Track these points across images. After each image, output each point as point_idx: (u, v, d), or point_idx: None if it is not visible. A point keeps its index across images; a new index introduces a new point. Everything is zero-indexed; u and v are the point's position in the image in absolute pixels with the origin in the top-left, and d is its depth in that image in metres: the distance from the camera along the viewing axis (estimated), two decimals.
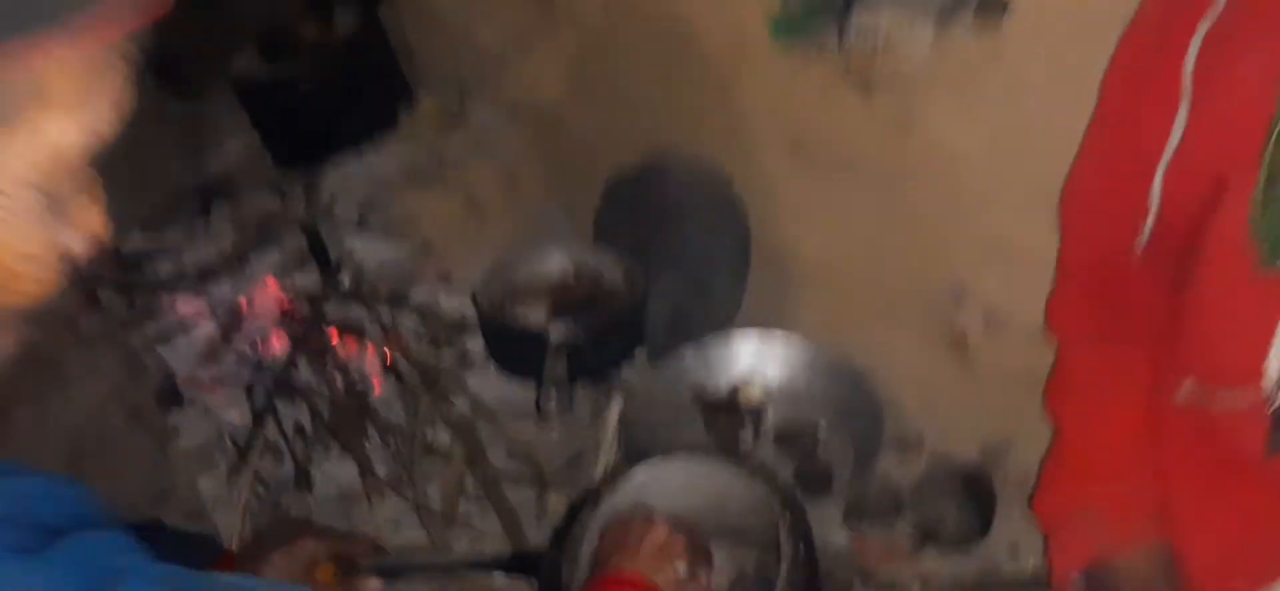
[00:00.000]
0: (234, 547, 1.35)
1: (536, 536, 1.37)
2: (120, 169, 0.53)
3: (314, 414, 1.61)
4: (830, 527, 1.32)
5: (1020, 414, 1.29)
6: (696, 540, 0.99)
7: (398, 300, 1.82)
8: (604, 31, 1.68)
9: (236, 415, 1.66)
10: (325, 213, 2.02)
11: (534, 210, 1.95)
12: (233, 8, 2.00)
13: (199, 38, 1.71)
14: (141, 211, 2.07)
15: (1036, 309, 1.14)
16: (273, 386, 1.66)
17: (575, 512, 1.12)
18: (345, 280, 1.89)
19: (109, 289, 1.86)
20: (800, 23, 1.27)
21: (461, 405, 1.59)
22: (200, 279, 1.93)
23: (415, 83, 2.18)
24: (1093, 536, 0.94)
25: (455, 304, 1.78)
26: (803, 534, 1.02)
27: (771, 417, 1.45)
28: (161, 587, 0.55)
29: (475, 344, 1.69)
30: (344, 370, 1.68)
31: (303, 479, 1.53)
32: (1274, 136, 0.74)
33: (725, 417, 1.42)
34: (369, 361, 1.70)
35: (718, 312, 1.56)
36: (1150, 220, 0.86)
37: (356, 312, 1.80)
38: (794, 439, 1.41)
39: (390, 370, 1.66)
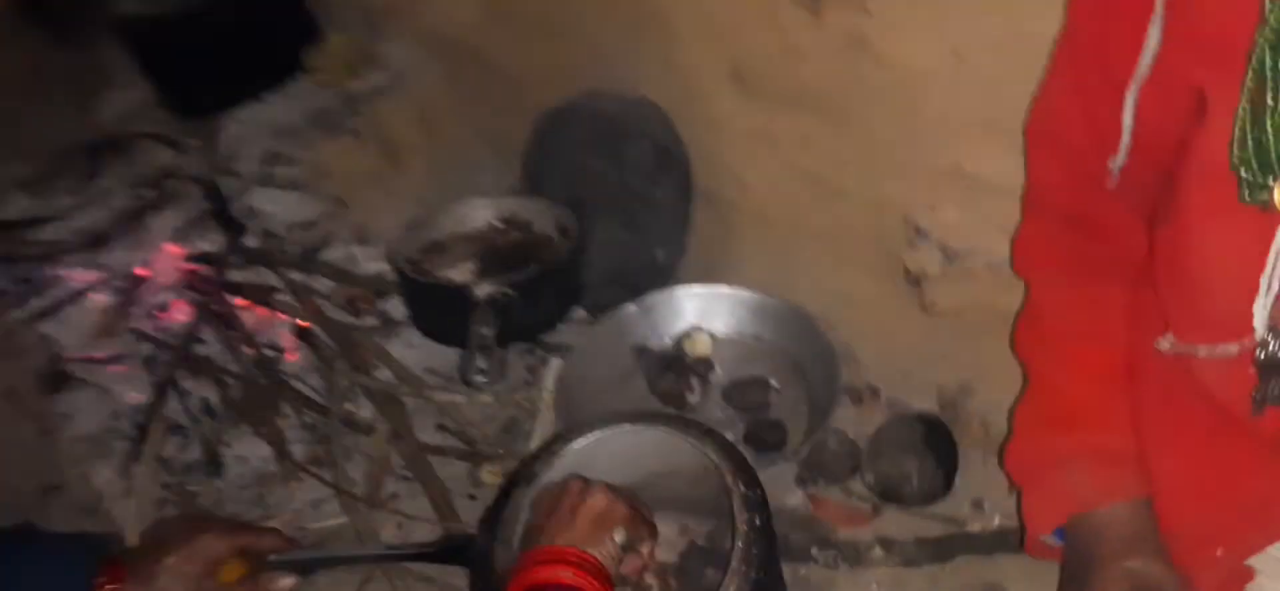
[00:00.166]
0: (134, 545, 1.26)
1: (470, 515, 1.30)
2: None
3: (222, 390, 1.55)
4: (784, 488, 1.29)
5: (980, 357, 1.28)
6: (638, 509, 0.94)
7: (310, 261, 1.77)
8: None
9: (135, 395, 1.58)
10: (226, 167, 1.95)
11: (455, 156, 1.89)
12: None
13: None
14: (22, 172, 2.01)
15: (999, 242, 1.11)
16: (175, 361, 1.59)
17: (508, 490, 1.05)
18: (251, 241, 1.83)
19: None
20: None
21: (384, 374, 1.53)
22: (90, 245, 1.86)
23: (320, 18, 2.10)
24: (1069, 491, 0.89)
25: (373, 263, 1.73)
26: (757, 503, 0.97)
27: (719, 373, 1.42)
28: None
29: (396, 307, 1.64)
30: (253, 340, 1.62)
31: (211, 462, 1.46)
32: (1258, 49, 0.69)
33: (670, 375, 1.38)
34: (280, 330, 1.65)
35: (659, 262, 1.53)
36: (1123, 145, 0.83)
37: (265, 276, 1.75)
38: (744, 395, 1.37)
39: (304, 338, 1.61)
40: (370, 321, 1.65)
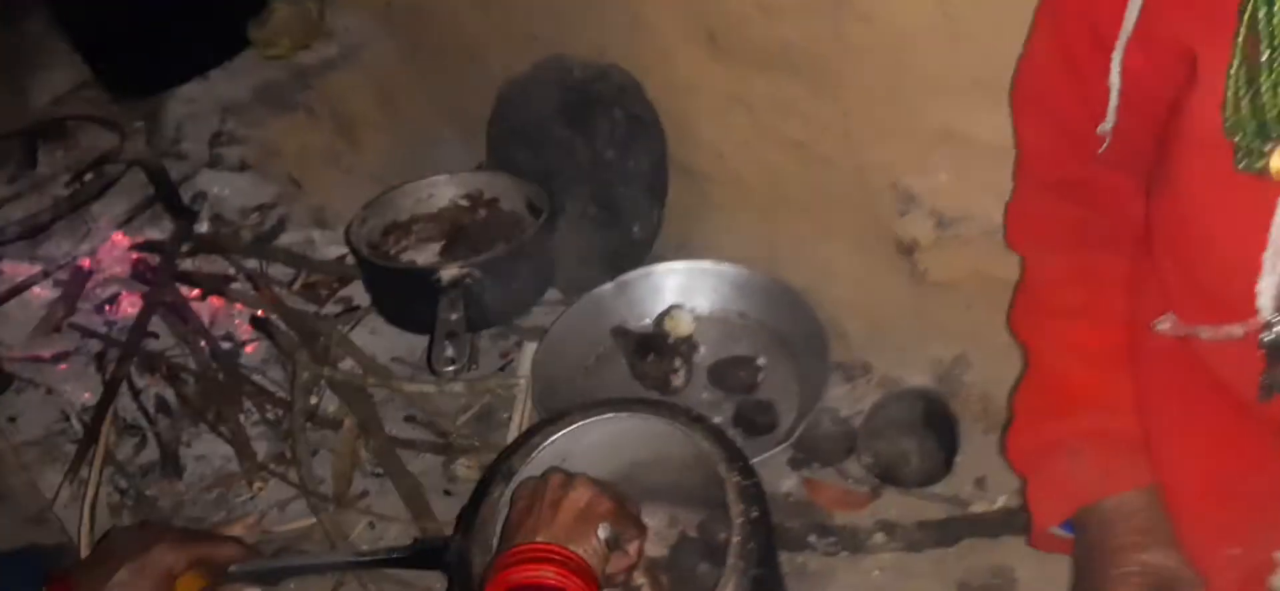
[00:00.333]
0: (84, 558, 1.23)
1: (446, 512, 1.27)
2: None
3: (177, 386, 1.50)
4: (777, 473, 1.25)
5: (977, 328, 1.26)
6: (624, 504, 0.91)
7: (265, 246, 1.73)
8: None
9: (84, 394, 1.54)
10: (171, 149, 1.89)
11: (415, 131, 1.87)
12: None
13: None
14: None
15: (995, 207, 1.07)
16: (125, 357, 1.54)
17: (485, 486, 1.02)
18: (202, 227, 1.78)
19: None
20: None
21: (348, 365, 1.49)
22: (29, 237, 1.80)
23: None
24: (1076, 480, 0.85)
25: (332, 247, 1.70)
26: (753, 494, 0.93)
27: (703, 353, 1.39)
28: None
29: (359, 293, 1.60)
30: (208, 333, 1.57)
31: (169, 463, 1.42)
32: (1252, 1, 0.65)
33: (652, 357, 1.34)
34: (237, 320, 1.61)
35: (635, 238, 1.50)
36: (1111, 109, 0.80)
37: (218, 264, 1.71)
38: (730, 375, 1.34)
39: (262, 329, 1.56)
40: (332, 309, 1.61)
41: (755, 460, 1.01)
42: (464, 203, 1.61)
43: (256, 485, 1.35)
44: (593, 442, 1.05)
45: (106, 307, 1.67)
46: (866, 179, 1.30)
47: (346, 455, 1.35)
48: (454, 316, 1.33)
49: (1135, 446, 0.85)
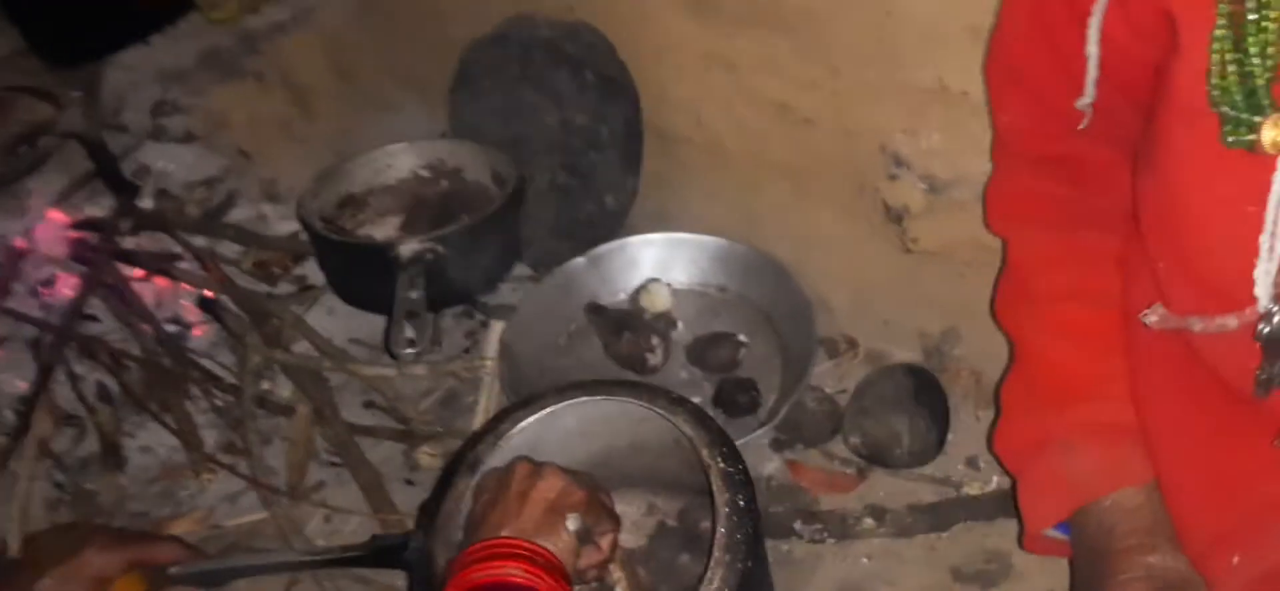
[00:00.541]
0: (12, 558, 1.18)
1: (408, 503, 1.23)
2: None
3: (119, 373, 1.46)
4: (759, 455, 1.22)
5: (968, 299, 1.24)
6: (596, 494, 0.87)
7: (213, 223, 1.70)
8: None
9: (17, 382, 1.49)
10: (111, 121, 1.85)
11: (371, 98, 1.83)
12: None
13: None
14: None
15: (989, 168, 1.03)
16: (62, 342, 1.50)
17: (449, 477, 0.97)
18: (145, 203, 1.75)
19: None
20: None
21: (302, 348, 1.45)
22: None
23: None
24: (1071, 478, 0.81)
25: (285, 222, 1.68)
26: (739, 481, 0.89)
27: (682, 330, 1.36)
28: None
29: (314, 271, 1.57)
30: (153, 316, 1.53)
31: (110, 455, 1.38)
32: None
33: (628, 335, 1.31)
34: (183, 302, 1.57)
35: (609, 208, 1.47)
36: (1089, 81, 0.78)
37: (163, 242, 1.67)
38: (710, 352, 1.30)
39: (210, 311, 1.52)
40: (285, 288, 1.58)
41: (737, 442, 0.96)
42: (425, 173, 1.57)
43: (204, 477, 1.32)
44: (566, 428, 1.00)
45: (42, 290, 1.62)
46: (854, 141, 1.26)
47: (301, 444, 1.31)
48: (414, 295, 1.29)
49: (1134, 438, 0.81)
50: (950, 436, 1.19)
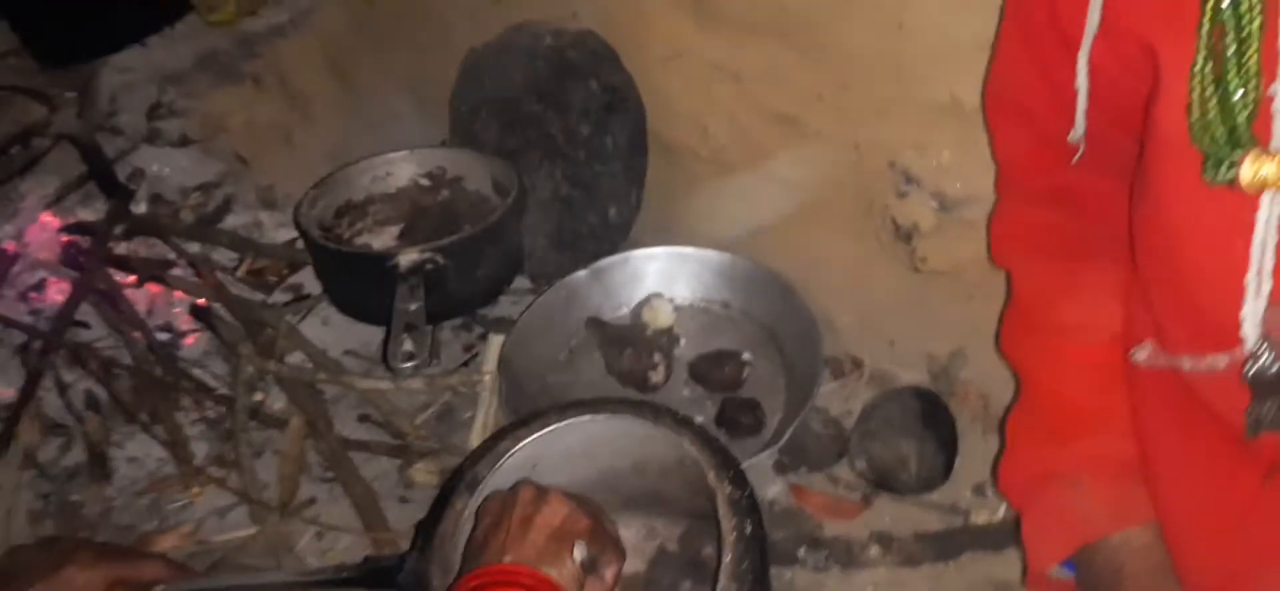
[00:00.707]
0: None
1: (401, 520, 1.21)
2: None
3: (108, 381, 1.44)
4: (762, 478, 1.20)
5: (977, 321, 1.23)
6: (601, 522, 0.86)
7: (207, 229, 1.70)
8: None
9: (7, 390, 1.47)
10: (106, 123, 1.85)
11: (371, 104, 1.82)
12: None
13: None
14: None
15: None
16: (51, 348, 1.48)
17: (447, 497, 0.95)
18: (139, 207, 1.75)
19: None
20: None
21: (296, 359, 1.44)
22: None
23: None
24: (1077, 515, 0.80)
25: (281, 230, 1.68)
26: (747, 506, 0.87)
27: (684, 347, 1.35)
28: None
29: (309, 280, 1.57)
30: (144, 323, 1.52)
31: (97, 465, 1.36)
32: None
33: (630, 351, 1.29)
34: (176, 310, 1.56)
35: (611, 221, 1.46)
36: (1080, 112, 0.78)
37: (156, 248, 1.67)
38: (713, 371, 1.29)
39: (203, 319, 1.52)
40: (280, 298, 1.57)
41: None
42: (425, 182, 1.56)
43: (193, 490, 1.29)
44: (567, 447, 0.99)
45: (32, 294, 1.61)
46: (863, 157, 1.25)
47: (293, 458, 1.30)
48: (413, 306, 1.27)
49: (1139, 475, 0.81)
50: (958, 462, 1.17)
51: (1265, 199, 0.62)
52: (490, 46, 1.50)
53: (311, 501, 1.26)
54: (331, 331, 1.49)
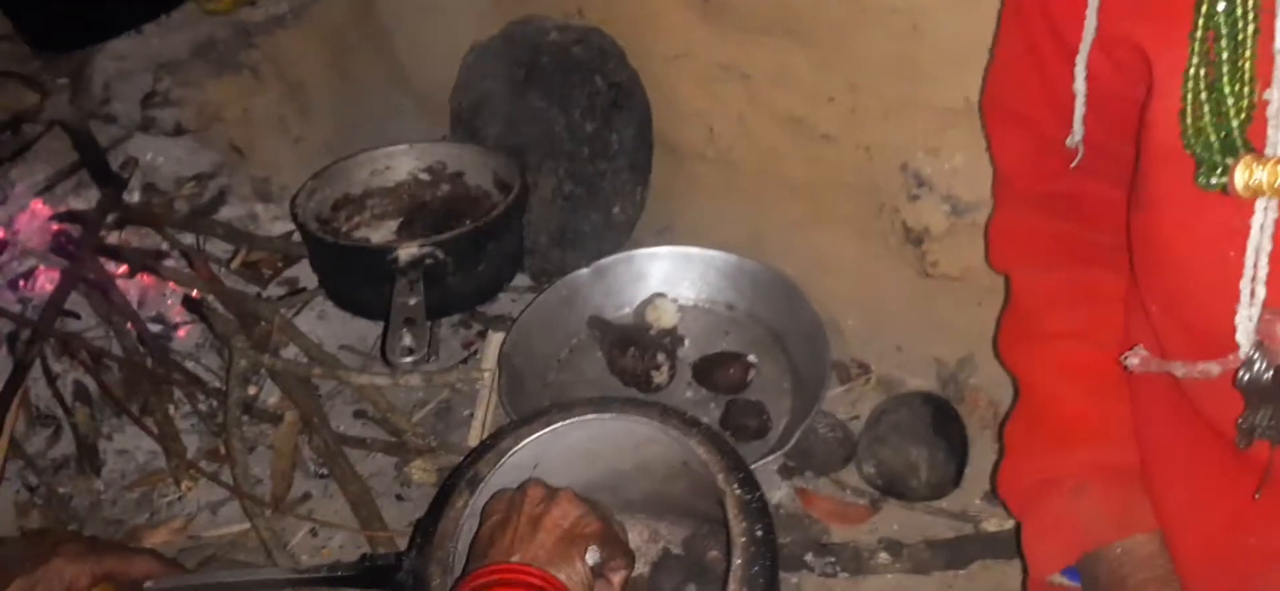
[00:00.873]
0: None
1: (397, 518, 1.20)
2: None
3: (99, 372, 1.42)
4: (766, 482, 1.18)
5: (986, 326, 1.19)
6: (612, 526, 0.84)
7: (202, 220, 1.67)
8: None
9: None
10: (99, 111, 1.81)
11: (372, 97, 1.81)
12: None
13: None
14: None
15: None
16: (42, 337, 1.46)
17: (445, 496, 0.93)
18: (132, 197, 1.71)
19: None
20: None
21: (292, 353, 1.43)
22: None
23: None
24: (1079, 522, 0.79)
25: (277, 222, 1.65)
26: (757, 510, 0.85)
27: (688, 348, 1.34)
28: None
29: (306, 273, 1.55)
30: (136, 314, 1.50)
31: (86, 457, 1.35)
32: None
33: (633, 352, 1.27)
34: (169, 301, 1.54)
35: (615, 219, 1.45)
36: (1078, 118, 0.78)
37: (149, 239, 1.64)
38: (718, 373, 1.27)
39: (197, 311, 1.50)
40: (275, 291, 1.55)
41: None
42: (424, 176, 1.55)
43: (185, 484, 1.28)
44: (569, 446, 0.97)
45: (21, 283, 1.57)
46: (873, 159, 1.24)
47: (287, 453, 1.29)
48: (412, 301, 1.26)
49: (1141, 482, 0.80)
50: (967, 469, 1.16)
51: (1259, 205, 0.61)
52: (493, 41, 1.49)
53: (306, 498, 1.25)
54: (327, 326, 1.48)
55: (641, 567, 1.04)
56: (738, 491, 0.85)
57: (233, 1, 1.87)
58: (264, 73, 1.80)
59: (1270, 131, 0.60)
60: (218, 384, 1.39)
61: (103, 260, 1.57)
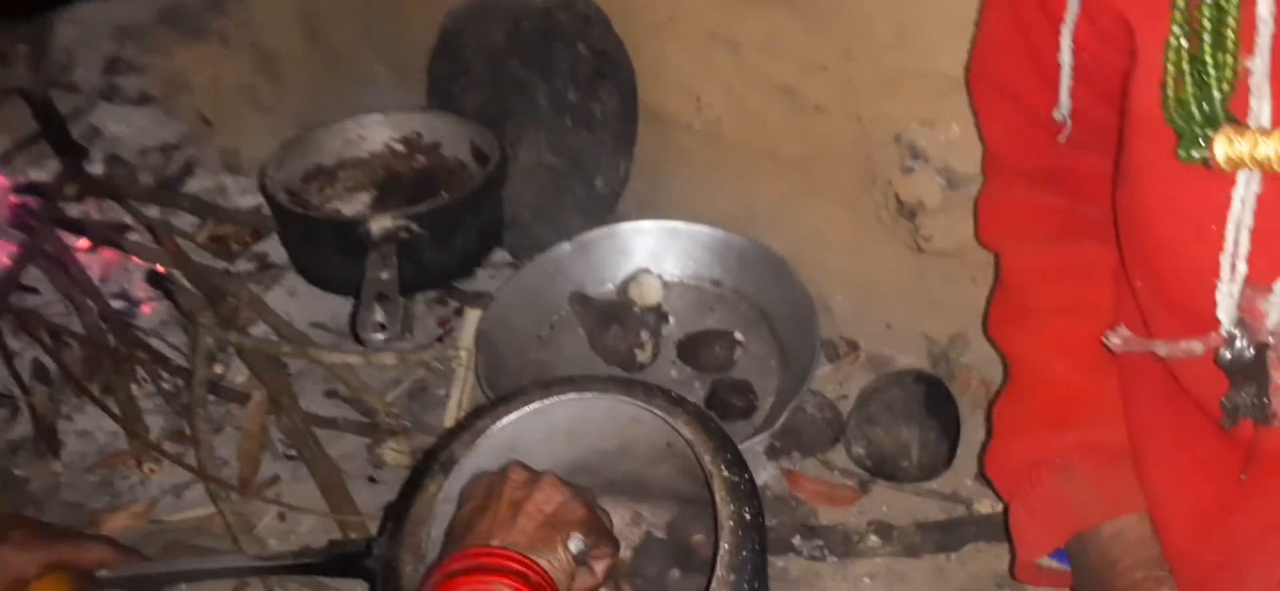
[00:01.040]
0: None
1: (369, 501, 1.17)
2: None
3: (58, 350, 1.41)
4: (754, 463, 1.14)
5: (980, 304, 1.19)
6: (597, 512, 0.82)
7: (168, 192, 1.68)
8: None
9: None
10: (60, 78, 1.81)
11: (345, 66, 1.79)
12: None
13: None
14: None
15: None
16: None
17: (418, 479, 0.90)
18: (94, 168, 1.73)
19: None
20: None
21: (260, 330, 1.42)
22: None
23: None
24: (1068, 503, 0.79)
25: (246, 195, 1.67)
26: (745, 492, 0.82)
27: (673, 326, 1.32)
28: None
29: (276, 248, 1.54)
30: (98, 290, 1.49)
31: (45, 438, 1.33)
32: None
33: (616, 329, 1.25)
34: (133, 277, 1.55)
35: (598, 192, 1.43)
36: (1064, 90, 0.79)
37: (113, 211, 1.65)
38: (703, 351, 1.25)
39: (162, 287, 1.49)
40: (243, 266, 1.56)
41: None
42: (399, 147, 1.53)
43: (147, 467, 1.26)
44: (550, 427, 0.94)
45: None
46: (866, 130, 1.21)
47: (255, 434, 1.27)
48: (385, 275, 1.24)
49: (1131, 462, 0.79)
50: (959, 450, 1.13)
51: (1241, 177, 0.61)
52: (472, 6, 1.46)
53: (274, 480, 1.23)
54: (298, 302, 1.46)
55: (624, 552, 1.01)
56: (725, 473, 0.82)
57: None
58: (234, 40, 1.78)
59: (1253, 101, 0.59)
60: (183, 362, 1.37)
61: (63, 233, 1.58)
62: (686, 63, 1.35)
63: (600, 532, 0.79)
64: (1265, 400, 0.66)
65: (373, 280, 1.23)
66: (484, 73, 1.43)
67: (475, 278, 1.45)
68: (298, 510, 1.17)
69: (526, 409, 0.92)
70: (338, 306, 1.42)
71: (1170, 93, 0.61)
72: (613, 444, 0.97)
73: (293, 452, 1.26)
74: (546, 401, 0.93)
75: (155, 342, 1.41)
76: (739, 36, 1.27)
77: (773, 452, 1.17)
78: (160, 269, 1.50)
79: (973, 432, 1.16)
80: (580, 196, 1.40)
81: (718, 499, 0.81)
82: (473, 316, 1.34)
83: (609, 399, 0.93)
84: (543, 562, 0.73)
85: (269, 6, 1.80)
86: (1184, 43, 0.60)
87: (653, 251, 1.36)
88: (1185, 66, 0.61)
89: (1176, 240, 0.67)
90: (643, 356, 1.24)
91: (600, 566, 0.79)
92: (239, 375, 1.36)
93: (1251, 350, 0.65)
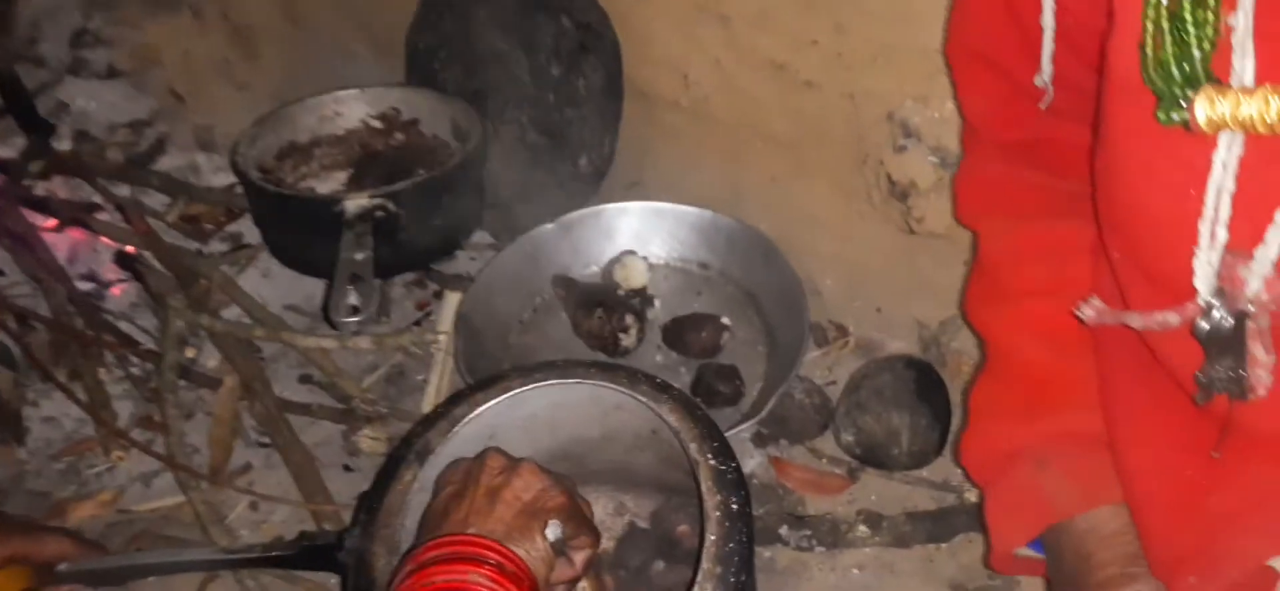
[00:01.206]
0: None
1: (343, 490, 1.16)
2: None
3: (23, 334, 1.40)
4: (741, 450, 1.15)
5: None
6: (577, 501, 0.80)
7: (138, 170, 1.66)
8: None
9: None
10: (26, 51, 1.81)
11: (322, 41, 1.76)
12: None
13: None
14: None
15: None
16: None
17: (393, 467, 0.88)
18: (62, 144, 1.72)
19: None
20: None
21: (233, 313, 1.40)
22: None
23: None
24: (1043, 493, 0.78)
25: (220, 174, 1.65)
26: (732, 481, 0.81)
27: (659, 309, 1.31)
28: None
29: (249, 228, 1.53)
30: (65, 271, 1.48)
31: (9, 425, 1.31)
32: None
33: (599, 312, 1.24)
34: (101, 257, 1.53)
35: (582, 171, 1.42)
36: (1046, 55, 0.78)
37: (80, 190, 1.64)
38: (689, 335, 1.24)
39: (131, 268, 1.48)
40: (216, 247, 1.54)
41: None
42: (377, 123, 1.51)
43: (115, 454, 1.25)
44: (530, 414, 0.93)
45: None
46: (858, 108, 1.20)
47: (226, 421, 1.26)
48: (359, 256, 1.22)
49: (1108, 450, 0.78)
50: (950, 437, 1.12)
51: (1222, 140, 0.58)
52: None
53: (246, 468, 1.22)
54: (272, 285, 1.45)
55: (606, 543, 1.00)
56: (711, 461, 0.81)
57: None
58: (206, 12, 1.77)
59: (1235, 60, 0.56)
60: (153, 346, 1.36)
61: (29, 212, 1.56)
62: (674, 37, 1.34)
63: (580, 521, 0.78)
64: (1242, 373, 0.64)
65: (347, 261, 1.21)
66: (465, 49, 1.41)
67: (455, 259, 1.44)
68: (270, 499, 1.16)
69: (506, 395, 0.91)
70: (313, 288, 1.41)
71: (1149, 52, 0.60)
72: (596, 431, 0.96)
73: (265, 440, 1.24)
74: (527, 387, 0.91)
75: (124, 326, 1.40)
76: (728, 9, 1.26)
77: (760, 440, 1.16)
78: (130, 250, 1.49)
79: (961, 420, 1.15)
80: (563, 175, 1.39)
81: (703, 488, 0.80)
82: (452, 299, 1.33)
83: (592, 385, 0.91)
84: (520, 551, 0.72)
85: None
86: (1163, 0, 0.59)
87: (638, 232, 1.35)
88: (1164, 24, 0.59)
89: (1155, 207, 0.65)
90: (627, 341, 1.23)
91: (580, 556, 0.77)
92: (211, 359, 1.35)
93: (1229, 320, 0.63)
